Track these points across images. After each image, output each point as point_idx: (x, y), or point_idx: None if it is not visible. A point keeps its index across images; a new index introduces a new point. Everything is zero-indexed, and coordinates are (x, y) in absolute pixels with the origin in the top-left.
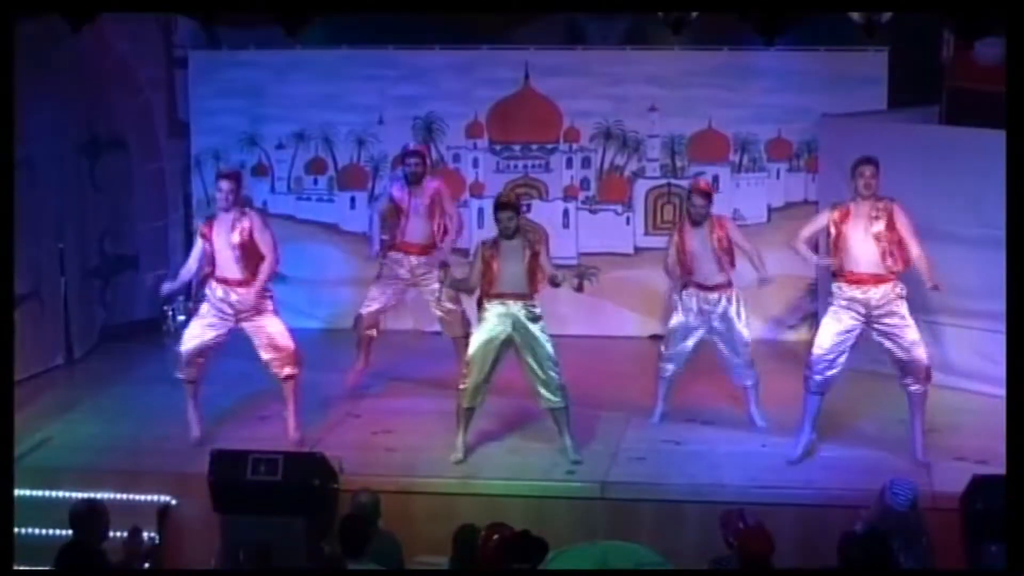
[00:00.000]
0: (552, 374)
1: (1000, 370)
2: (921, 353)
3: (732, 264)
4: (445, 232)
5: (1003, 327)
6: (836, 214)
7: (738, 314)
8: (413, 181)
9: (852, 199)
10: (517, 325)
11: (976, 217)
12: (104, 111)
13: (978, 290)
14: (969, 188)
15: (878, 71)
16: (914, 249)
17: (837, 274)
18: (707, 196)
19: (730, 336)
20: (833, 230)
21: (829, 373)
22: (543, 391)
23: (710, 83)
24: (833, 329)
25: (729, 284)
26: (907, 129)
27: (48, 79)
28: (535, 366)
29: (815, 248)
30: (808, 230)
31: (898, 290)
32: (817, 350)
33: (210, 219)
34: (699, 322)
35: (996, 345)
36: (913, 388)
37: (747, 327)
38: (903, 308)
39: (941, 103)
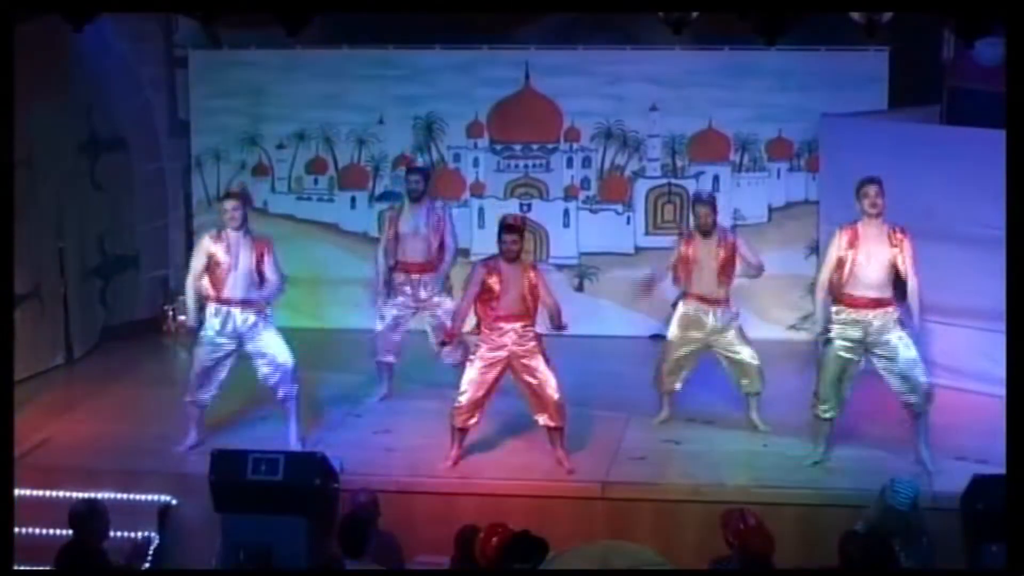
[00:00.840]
0: (550, 393)
1: (1000, 369)
2: (919, 374)
3: (731, 279)
4: (442, 251)
5: (1002, 327)
6: (845, 238)
7: (738, 328)
8: (414, 198)
9: (859, 219)
10: (516, 351)
11: (976, 217)
12: (105, 111)
13: (978, 290)
14: (969, 188)
15: (879, 71)
16: (912, 282)
17: (837, 297)
18: (708, 205)
19: (731, 349)
20: (840, 254)
21: (838, 407)
22: (540, 412)
23: (710, 83)
24: (833, 369)
25: (727, 300)
26: (908, 129)
27: (49, 78)
28: (536, 387)
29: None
30: (826, 273)
31: (897, 314)
32: (823, 389)
33: (217, 236)
34: (696, 333)
35: (996, 345)
36: (915, 408)
37: (746, 340)
38: (901, 331)
39: (942, 103)
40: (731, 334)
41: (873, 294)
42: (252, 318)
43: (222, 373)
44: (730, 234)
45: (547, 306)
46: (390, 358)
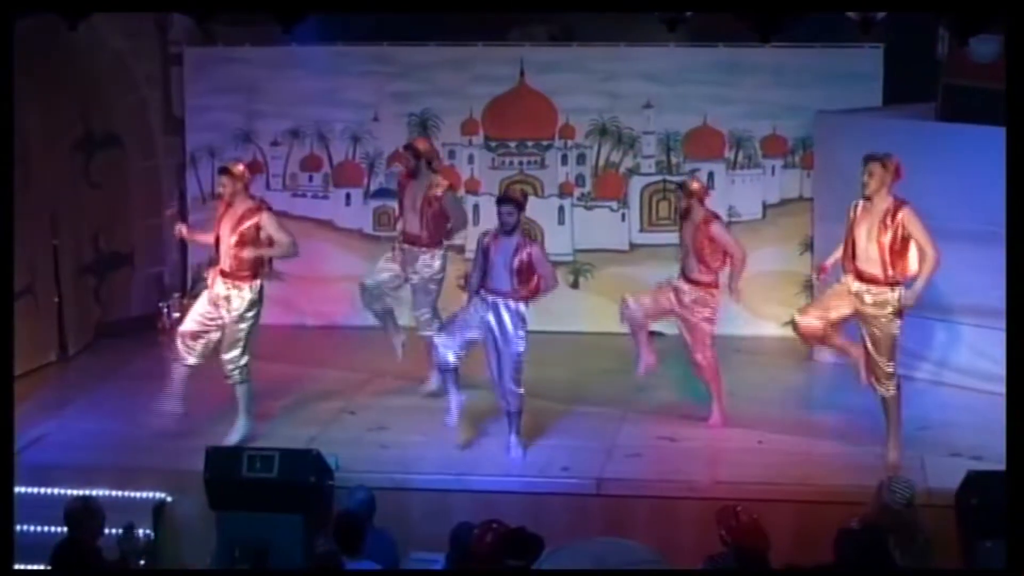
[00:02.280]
0: (508, 377)
1: (994, 366)
2: (887, 367)
3: (717, 263)
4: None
5: (997, 324)
6: (852, 215)
7: (696, 311)
8: (410, 175)
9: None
10: (496, 319)
11: (971, 214)
12: (99, 107)
13: (973, 287)
14: (965, 185)
15: (873, 67)
16: (914, 254)
17: (845, 268)
18: (682, 188)
19: (690, 332)
20: (847, 231)
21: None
22: (497, 392)
23: (705, 79)
24: (827, 297)
25: (711, 284)
26: (903, 126)
27: (43, 75)
28: (499, 365)
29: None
30: (838, 251)
31: (893, 301)
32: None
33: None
34: (677, 311)
35: (991, 341)
36: (881, 394)
37: (707, 325)
38: (890, 321)
39: (937, 99)
40: (696, 325)
41: (872, 270)
42: (234, 296)
43: (202, 341)
44: (709, 220)
45: (541, 277)
46: (386, 305)
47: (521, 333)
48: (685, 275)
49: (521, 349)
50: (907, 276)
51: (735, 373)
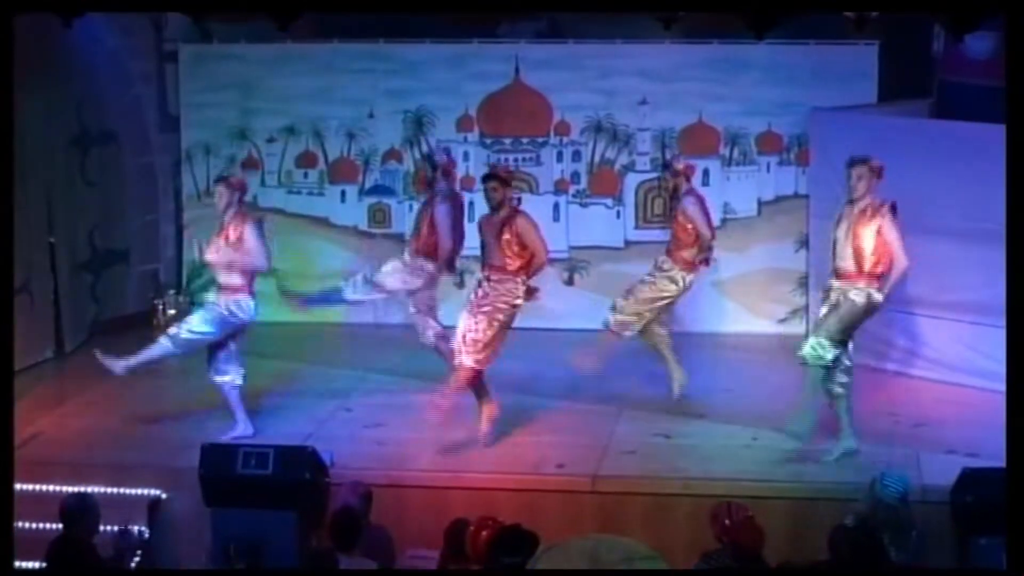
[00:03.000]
0: (453, 347)
1: (990, 363)
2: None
3: (680, 246)
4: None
5: (993, 321)
6: (839, 217)
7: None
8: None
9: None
10: (475, 303)
11: (965, 211)
12: (95, 105)
13: (967, 284)
14: (960, 182)
15: (868, 64)
16: (893, 260)
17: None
18: (667, 168)
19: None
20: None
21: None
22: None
23: (700, 76)
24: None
25: (688, 265)
26: (898, 123)
27: (39, 72)
28: (460, 327)
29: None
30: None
31: (858, 297)
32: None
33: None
34: (668, 288)
35: (986, 339)
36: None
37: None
38: (854, 309)
39: (932, 96)
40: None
41: (848, 268)
42: (222, 305)
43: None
44: (686, 200)
45: (532, 251)
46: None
47: (492, 309)
48: (669, 249)
49: (494, 335)
50: (878, 272)
51: (731, 370)
